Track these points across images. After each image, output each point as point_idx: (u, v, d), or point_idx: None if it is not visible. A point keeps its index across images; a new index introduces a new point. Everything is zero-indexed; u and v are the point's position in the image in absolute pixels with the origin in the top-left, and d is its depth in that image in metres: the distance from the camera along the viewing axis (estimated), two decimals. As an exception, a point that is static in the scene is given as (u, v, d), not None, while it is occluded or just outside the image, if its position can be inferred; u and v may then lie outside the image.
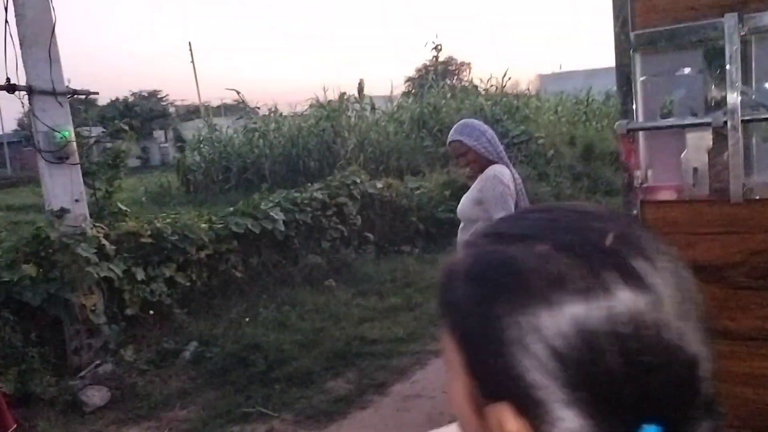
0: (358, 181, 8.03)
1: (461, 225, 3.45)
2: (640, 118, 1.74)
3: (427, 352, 4.87)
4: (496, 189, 3.21)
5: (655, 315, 0.48)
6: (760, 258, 1.63)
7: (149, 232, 5.50)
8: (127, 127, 6.16)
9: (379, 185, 8.37)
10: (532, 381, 0.48)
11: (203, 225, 5.94)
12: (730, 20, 1.53)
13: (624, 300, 0.48)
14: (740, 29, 1.53)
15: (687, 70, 1.68)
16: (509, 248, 0.53)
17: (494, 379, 0.51)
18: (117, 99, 37.90)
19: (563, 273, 0.49)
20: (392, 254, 7.78)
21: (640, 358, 0.48)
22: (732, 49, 1.54)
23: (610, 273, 0.49)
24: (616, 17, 1.68)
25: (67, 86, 5.07)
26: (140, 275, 5.28)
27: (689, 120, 1.65)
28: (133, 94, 39.77)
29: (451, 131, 3.47)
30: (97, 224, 5.20)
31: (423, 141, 13.00)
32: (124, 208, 5.78)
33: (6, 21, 4.73)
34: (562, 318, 0.48)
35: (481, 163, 3.34)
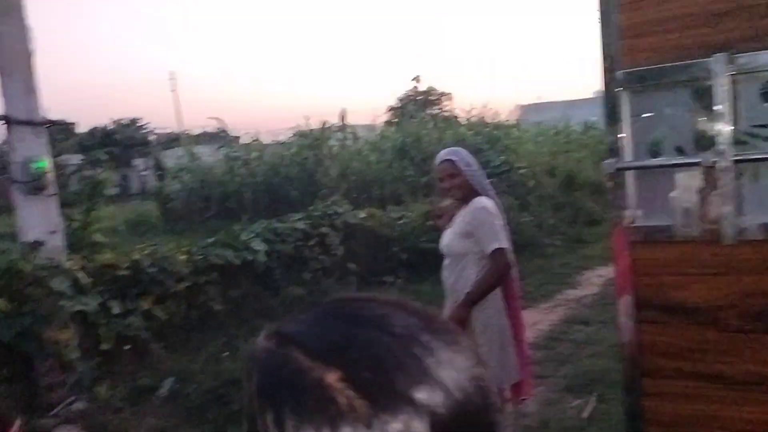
0: (341, 210, 7.98)
1: (446, 261, 3.36)
2: (628, 157, 1.72)
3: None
4: (488, 220, 3.15)
5: None
6: (753, 300, 1.60)
7: (126, 264, 5.38)
8: (106, 157, 6.08)
9: (362, 215, 8.32)
10: None
11: (182, 256, 5.83)
12: (718, 60, 1.52)
13: None
14: (728, 69, 1.52)
15: (674, 110, 1.66)
16: (301, 369, 0.51)
17: None
18: (97, 127, 37.67)
19: (348, 409, 0.48)
20: (375, 285, 7.70)
21: None
22: (721, 88, 1.53)
23: (396, 412, 0.48)
24: (603, 57, 1.66)
25: (45, 116, 4.99)
26: (116, 309, 5.15)
27: (679, 159, 1.63)
28: (114, 121, 39.52)
29: (442, 152, 3.42)
30: (73, 256, 5.08)
31: (405, 170, 13.01)
32: (101, 239, 5.67)
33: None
34: None
35: (467, 190, 3.28)
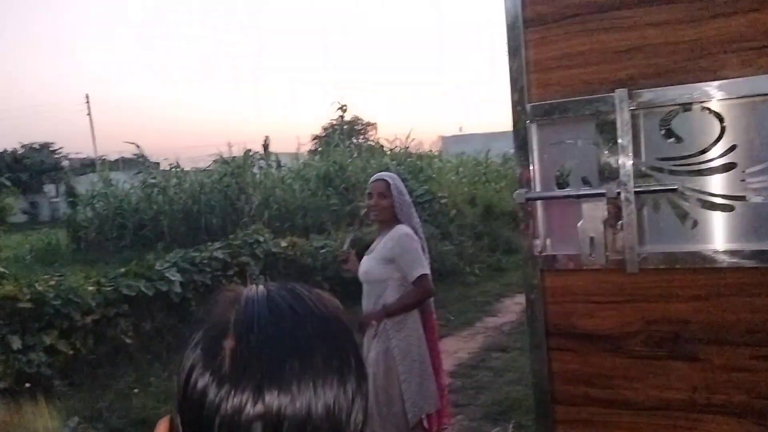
0: (262, 239, 7.84)
1: (365, 288, 3.34)
2: (538, 187, 1.75)
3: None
4: (410, 246, 3.19)
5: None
6: (656, 327, 1.65)
7: (29, 296, 5.06)
8: (8, 183, 5.73)
9: (284, 244, 8.20)
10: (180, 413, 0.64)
11: (90, 288, 5.54)
12: (620, 95, 1.58)
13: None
14: (630, 104, 1.59)
15: (580, 142, 1.71)
16: (225, 325, 0.64)
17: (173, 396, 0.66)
18: (5, 151, 35.71)
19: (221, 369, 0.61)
20: (296, 315, 7.57)
21: None
22: (623, 123, 1.59)
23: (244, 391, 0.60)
24: (512, 90, 1.70)
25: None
26: (16, 344, 4.82)
27: (584, 190, 1.68)
28: (23, 146, 37.58)
29: (379, 173, 3.51)
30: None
31: (329, 199, 12.98)
32: (1, 269, 5.31)
33: None
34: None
35: (390, 215, 3.31)
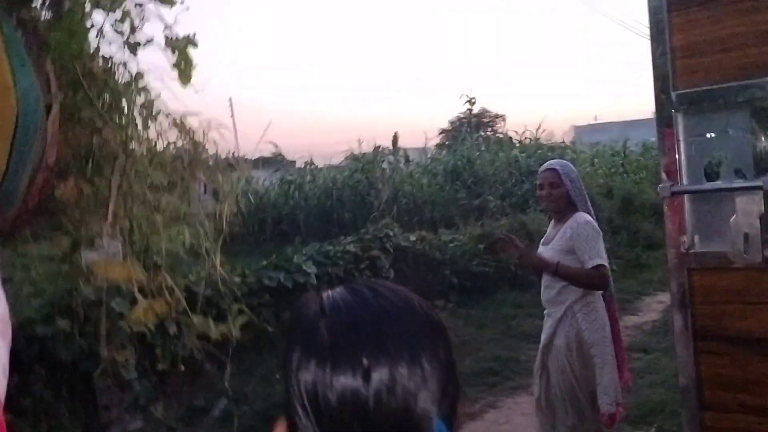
0: (391, 233, 7.98)
1: (546, 280, 3.26)
2: (685, 181, 1.66)
3: (462, 415, 4.69)
4: (590, 234, 3.10)
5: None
6: (822, 331, 1.50)
7: (183, 286, 5.50)
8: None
9: (413, 238, 8.30)
10: (297, 411, 0.69)
11: (236, 278, 5.92)
12: (779, 80, 1.46)
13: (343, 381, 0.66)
14: (790, 89, 1.46)
15: (732, 131, 1.60)
16: (314, 314, 0.72)
17: (284, 402, 0.72)
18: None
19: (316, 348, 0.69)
20: (426, 309, 7.64)
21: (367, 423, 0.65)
22: (782, 109, 1.46)
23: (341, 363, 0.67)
24: (656, 77, 1.62)
25: None
26: (173, 329, 5.26)
27: (738, 183, 1.56)
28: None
29: (548, 162, 3.45)
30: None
31: (457, 193, 12.96)
32: (159, 261, 5.82)
33: None
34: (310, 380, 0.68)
35: (564, 203, 3.22)
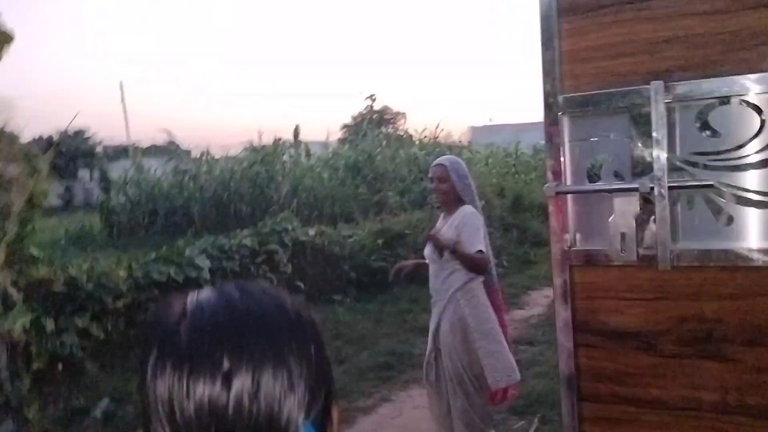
0: (290, 228, 7.88)
1: (433, 269, 3.45)
2: (569, 181, 1.72)
3: (356, 410, 4.71)
4: (474, 224, 3.32)
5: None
6: (689, 325, 1.61)
7: (62, 280, 5.16)
8: (45, 167, 5.84)
9: (312, 232, 8.24)
10: (152, 422, 0.64)
11: (122, 272, 5.64)
12: (656, 87, 1.54)
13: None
14: (665, 97, 1.55)
15: (613, 135, 1.68)
16: (175, 317, 0.66)
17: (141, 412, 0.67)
18: (41, 137, 36.43)
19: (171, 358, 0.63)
20: (323, 303, 7.61)
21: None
22: (658, 116, 1.55)
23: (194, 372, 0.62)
24: (545, 81, 1.67)
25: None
26: (50, 326, 4.92)
27: (617, 185, 1.64)
28: (59, 132, 38.29)
29: (441, 157, 3.66)
30: (3, 271, 4.83)
31: (357, 188, 13.01)
32: (36, 253, 5.42)
33: None
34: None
35: (452, 198, 3.41)
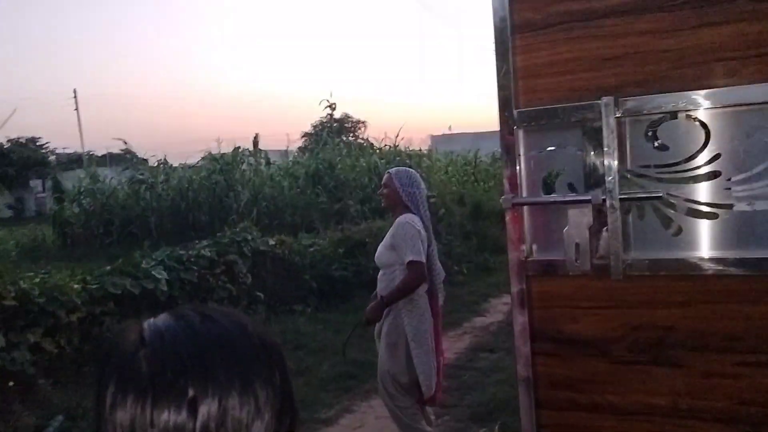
0: (250, 237, 7.80)
1: (380, 273, 3.66)
2: (524, 193, 1.76)
3: (318, 421, 4.68)
4: (407, 233, 3.44)
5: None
6: (641, 333, 1.66)
7: (13, 294, 5.01)
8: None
9: (272, 242, 8.17)
10: None
11: (76, 285, 5.49)
12: (606, 102, 1.59)
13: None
14: (616, 111, 1.59)
15: (567, 148, 1.72)
16: (134, 344, 0.65)
17: None
18: (-10, 144, 35.29)
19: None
20: (284, 314, 7.55)
21: None
22: (608, 130, 1.60)
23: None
24: (499, 95, 1.70)
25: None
26: (0, 342, 4.77)
27: (570, 196, 1.69)
28: (9, 140, 37.14)
29: (395, 168, 3.92)
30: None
31: (318, 197, 12.96)
32: (-15, 266, 5.25)
33: None
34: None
35: (393, 203, 3.63)
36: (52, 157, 37.35)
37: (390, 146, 16.24)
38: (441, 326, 3.77)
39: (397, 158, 14.93)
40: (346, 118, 32.30)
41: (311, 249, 8.64)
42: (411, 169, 3.87)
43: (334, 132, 20.54)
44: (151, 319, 0.67)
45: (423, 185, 3.66)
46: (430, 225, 3.62)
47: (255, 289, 7.51)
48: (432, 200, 12.39)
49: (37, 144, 38.37)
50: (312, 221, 11.83)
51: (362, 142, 19.14)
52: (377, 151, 16.12)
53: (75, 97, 36.91)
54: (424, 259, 3.45)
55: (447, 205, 12.12)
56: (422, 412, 3.61)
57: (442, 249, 10.28)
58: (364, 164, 14.50)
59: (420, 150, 17.78)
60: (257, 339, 0.67)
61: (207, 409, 0.60)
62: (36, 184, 32.06)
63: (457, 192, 13.74)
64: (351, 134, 29.12)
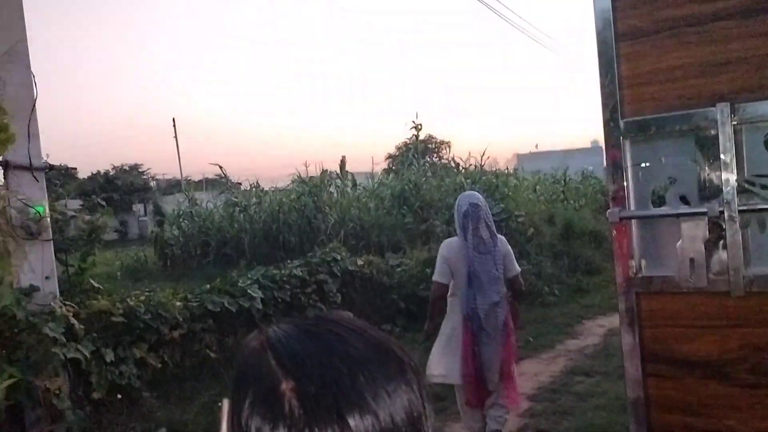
0: (339, 258, 7.92)
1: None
2: (632, 206, 1.69)
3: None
4: (438, 254, 4.02)
5: None
6: (764, 354, 1.55)
7: (121, 311, 5.30)
8: (104, 203, 6.05)
9: (360, 262, 8.26)
10: None
11: (178, 303, 5.75)
12: (722, 110, 1.51)
13: None
14: (732, 118, 1.52)
15: (678, 159, 1.65)
16: (266, 372, 0.61)
17: None
18: (98, 172, 37.82)
19: (289, 415, 0.58)
20: (372, 333, 7.58)
21: None
22: (725, 138, 1.52)
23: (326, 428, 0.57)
24: (604, 106, 1.66)
25: (45, 161, 4.98)
26: (109, 356, 5.04)
27: (684, 209, 1.61)
28: (114, 167, 39.70)
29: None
30: (67, 302, 5.00)
31: (404, 218, 13.00)
32: (96, 285, 5.59)
33: (-14, 95, 4.68)
34: None
35: None
36: (153, 183, 39.54)
37: (475, 166, 16.10)
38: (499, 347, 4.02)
39: (483, 178, 14.78)
40: (429, 138, 32.41)
41: (398, 269, 8.67)
42: (465, 193, 4.20)
43: (419, 153, 20.63)
44: (282, 340, 0.64)
45: (466, 207, 3.89)
46: (477, 245, 3.86)
47: (344, 309, 7.59)
48: (520, 220, 12.18)
49: (139, 170, 40.75)
50: (398, 241, 11.86)
51: (447, 162, 19.11)
52: (462, 171, 16.02)
53: (174, 125, 39.04)
54: (441, 280, 3.92)
55: (536, 224, 11.87)
56: (469, 413, 4.06)
57: (531, 269, 10.11)
58: (450, 184, 14.43)
59: (506, 169, 17.56)
60: (397, 355, 0.64)
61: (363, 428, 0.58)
62: (138, 208, 34.04)
63: (546, 211, 13.42)
64: (435, 155, 29.15)
